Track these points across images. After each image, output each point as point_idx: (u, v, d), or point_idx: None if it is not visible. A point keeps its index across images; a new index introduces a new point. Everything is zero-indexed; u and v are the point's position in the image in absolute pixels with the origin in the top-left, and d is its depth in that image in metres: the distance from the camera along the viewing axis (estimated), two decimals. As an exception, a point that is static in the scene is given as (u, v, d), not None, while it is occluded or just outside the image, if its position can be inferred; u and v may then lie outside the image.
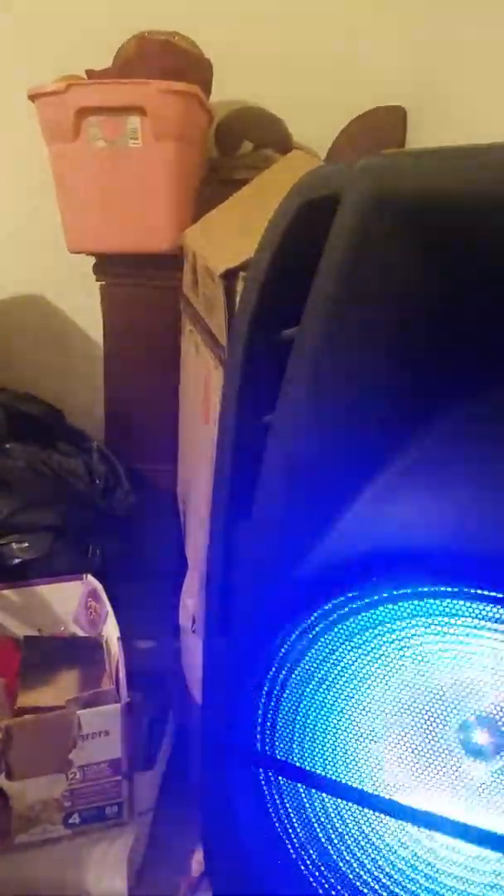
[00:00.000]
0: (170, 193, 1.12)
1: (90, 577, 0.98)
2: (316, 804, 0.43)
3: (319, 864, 0.44)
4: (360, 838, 0.43)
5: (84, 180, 1.13)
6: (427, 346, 0.37)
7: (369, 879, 0.44)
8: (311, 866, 0.44)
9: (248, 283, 0.40)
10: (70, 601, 1.00)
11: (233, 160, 1.26)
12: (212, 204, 1.04)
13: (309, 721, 0.42)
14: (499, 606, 0.33)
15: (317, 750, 0.42)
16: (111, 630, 0.88)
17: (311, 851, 0.44)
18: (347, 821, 0.43)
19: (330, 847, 0.43)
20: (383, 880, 0.44)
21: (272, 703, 0.42)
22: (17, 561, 1.05)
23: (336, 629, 0.39)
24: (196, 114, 1.14)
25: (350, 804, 0.42)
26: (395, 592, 0.36)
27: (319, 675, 0.40)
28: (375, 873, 0.44)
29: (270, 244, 0.39)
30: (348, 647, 0.39)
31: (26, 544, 1.06)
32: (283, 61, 1.36)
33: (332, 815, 0.43)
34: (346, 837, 0.43)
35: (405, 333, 0.37)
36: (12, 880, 0.74)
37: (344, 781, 0.42)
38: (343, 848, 0.43)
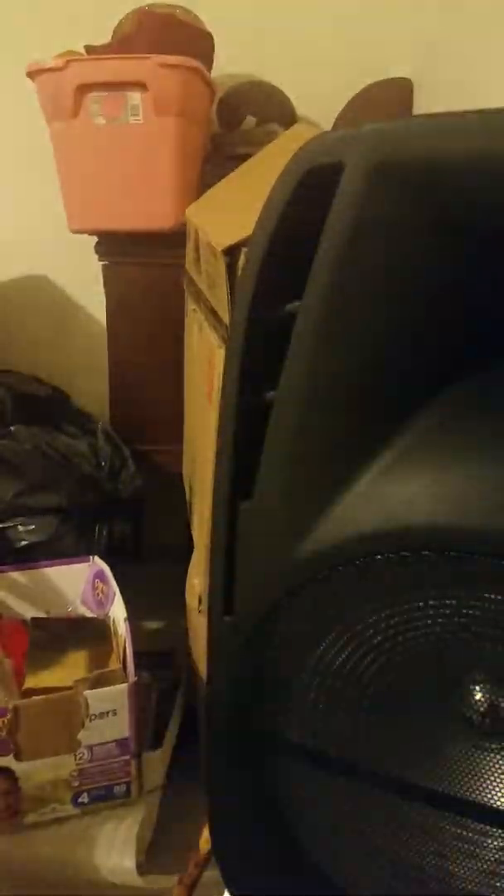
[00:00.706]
0: (172, 170, 1.11)
1: (97, 559, 0.99)
2: (322, 781, 0.43)
3: (326, 842, 0.44)
4: (365, 814, 0.43)
5: (85, 158, 1.12)
6: (433, 319, 0.36)
7: (380, 859, 0.44)
8: (316, 844, 0.44)
9: (248, 255, 0.39)
10: (77, 583, 1.00)
11: (236, 135, 1.24)
12: (215, 180, 1.03)
13: (314, 699, 0.41)
14: (498, 581, 0.33)
15: (320, 727, 0.42)
16: (118, 611, 0.88)
17: (317, 829, 0.44)
18: (352, 797, 0.43)
19: (335, 824, 0.43)
20: (392, 857, 0.44)
21: (277, 682, 0.42)
22: (23, 543, 1.05)
23: (339, 607, 0.38)
24: (198, 89, 1.12)
25: (354, 780, 0.42)
26: (398, 569, 0.36)
27: (322, 652, 0.40)
28: (385, 851, 0.44)
29: (272, 214, 0.38)
30: (351, 626, 0.39)
31: (32, 526, 1.07)
32: (286, 34, 1.33)
33: (339, 792, 0.43)
34: (351, 814, 0.43)
35: (410, 305, 0.36)
36: (22, 859, 0.75)
37: (349, 757, 0.42)
38: (348, 825, 0.43)
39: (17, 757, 0.74)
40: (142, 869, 0.74)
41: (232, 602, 0.44)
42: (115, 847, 0.76)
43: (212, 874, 0.65)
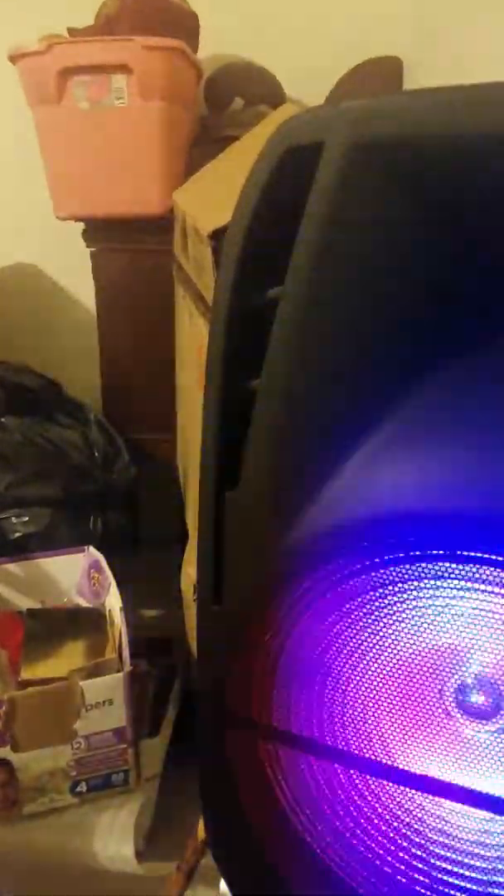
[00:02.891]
0: (159, 154, 1.09)
1: (92, 549, 0.98)
2: (314, 770, 0.43)
3: (318, 829, 0.44)
4: (359, 803, 0.43)
5: (69, 143, 1.10)
6: (419, 303, 0.36)
7: (373, 845, 0.44)
8: (309, 832, 0.44)
9: (228, 239, 0.38)
10: (72, 573, 1.00)
11: (224, 118, 1.23)
12: (203, 163, 1.01)
13: (303, 687, 0.41)
14: (492, 568, 0.32)
15: (312, 716, 0.42)
16: (114, 601, 0.88)
17: (309, 817, 0.44)
18: (345, 786, 0.43)
19: (329, 813, 0.43)
20: (387, 845, 0.44)
21: (266, 671, 0.42)
22: (17, 535, 1.05)
23: (328, 596, 0.38)
24: (183, 70, 1.10)
25: (347, 770, 0.42)
26: (386, 557, 0.35)
27: (312, 642, 0.40)
28: (378, 838, 0.44)
29: (252, 196, 0.37)
30: (340, 614, 0.38)
31: (27, 518, 1.06)
32: (274, 14, 1.31)
33: (330, 781, 0.43)
34: (345, 803, 0.43)
35: (395, 289, 0.35)
36: (21, 850, 0.75)
37: (340, 747, 0.42)
38: (342, 813, 0.43)
39: (14, 748, 0.74)
40: (140, 856, 0.75)
41: (220, 591, 0.44)
42: (113, 835, 0.76)
43: (210, 861, 0.66)
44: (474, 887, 0.41)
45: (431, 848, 0.42)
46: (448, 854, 0.42)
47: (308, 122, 0.35)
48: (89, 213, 1.15)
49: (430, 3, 1.29)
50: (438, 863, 0.42)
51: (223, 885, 0.56)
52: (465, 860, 0.41)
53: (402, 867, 0.43)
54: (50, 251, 1.39)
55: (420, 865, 0.43)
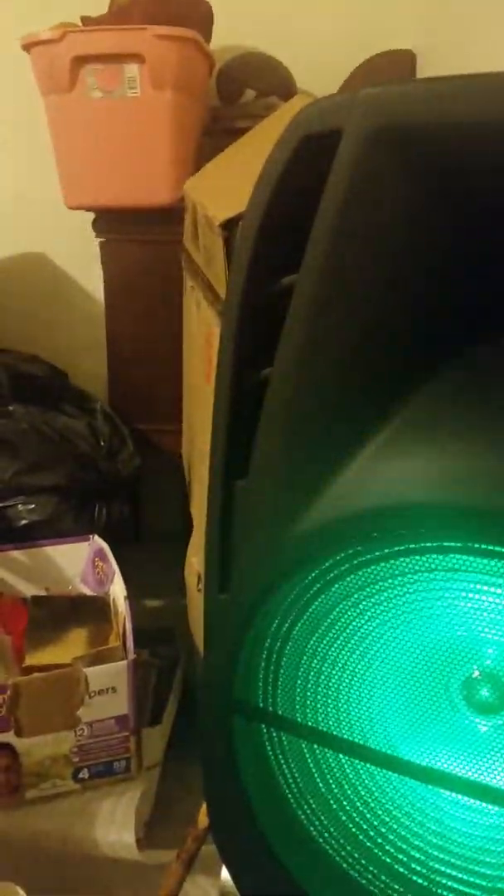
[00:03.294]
0: (170, 144, 1.09)
1: (97, 538, 0.98)
2: (318, 759, 0.43)
3: (321, 818, 0.44)
4: (363, 793, 0.43)
5: (81, 133, 1.10)
6: (433, 291, 0.36)
7: (375, 835, 0.44)
8: (312, 820, 0.44)
9: (244, 225, 0.38)
10: (77, 561, 1.00)
11: (235, 109, 1.22)
12: (214, 154, 1.01)
13: (310, 677, 0.41)
14: (502, 561, 0.32)
15: (318, 705, 0.42)
16: (118, 589, 0.88)
17: (313, 806, 0.44)
18: (350, 776, 0.43)
19: (332, 802, 0.43)
20: (390, 837, 0.44)
21: (273, 660, 0.42)
22: (23, 522, 1.05)
23: (336, 585, 0.38)
24: (196, 61, 1.10)
25: (352, 759, 0.42)
26: (396, 548, 0.35)
27: (320, 632, 0.40)
28: (381, 829, 0.44)
29: (267, 184, 0.37)
30: (349, 604, 0.38)
31: (32, 506, 1.07)
32: (287, 5, 1.30)
33: (335, 769, 0.43)
34: (349, 792, 0.43)
35: (410, 277, 0.35)
36: (23, 834, 0.76)
37: (345, 737, 0.42)
38: (346, 803, 0.43)
39: (18, 733, 0.74)
40: (141, 844, 0.75)
41: (227, 580, 0.44)
42: (114, 822, 0.76)
43: (210, 849, 0.66)
44: (484, 883, 0.41)
45: (437, 840, 0.42)
46: (456, 849, 0.42)
47: (326, 110, 0.35)
48: (100, 202, 1.15)
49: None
50: (443, 856, 0.42)
51: (224, 873, 0.56)
52: (475, 855, 0.41)
53: (406, 861, 0.44)
54: (59, 241, 1.39)
55: (424, 859, 0.43)
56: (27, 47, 1.09)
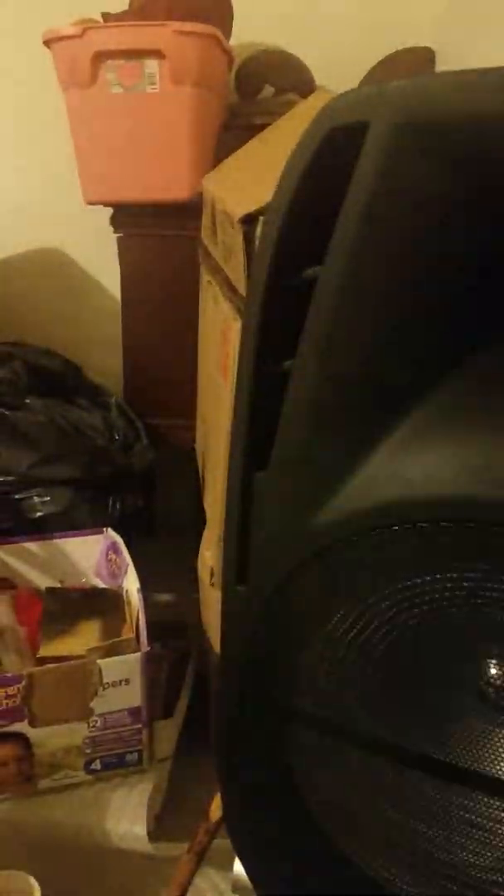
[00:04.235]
0: (189, 140, 1.09)
1: (110, 531, 0.99)
2: (333, 752, 0.43)
3: (334, 812, 0.44)
4: (376, 785, 0.43)
5: (101, 128, 1.10)
6: (457, 286, 0.36)
7: (386, 825, 0.44)
8: (325, 814, 0.44)
9: (268, 216, 0.38)
10: (91, 554, 1.01)
11: (254, 105, 1.22)
12: (232, 150, 1.01)
13: (326, 669, 0.41)
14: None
15: (333, 698, 0.42)
16: (131, 582, 0.88)
17: (326, 800, 0.44)
18: (363, 768, 0.43)
19: (346, 795, 0.43)
20: (402, 828, 0.44)
21: (291, 651, 0.42)
22: (38, 514, 1.06)
23: (356, 576, 0.38)
24: (215, 57, 1.10)
25: (367, 751, 0.42)
26: (418, 539, 0.35)
27: (338, 623, 0.40)
28: (394, 820, 0.44)
29: (293, 176, 0.37)
30: (368, 595, 0.38)
31: (47, 498, 1.07)
32: (306, 2, 1.30)
33: (349, 763, 0.43)
34: (362, 785, 0.43)
35: (435, 271, 0.35)
36: (35, 824, 0.76)
37: (361, 729, 0.42)
38: (359, 797, 0.43)
39: (31, 723, 0.75)
40: (152, 836, 0.75)
41: (245, 572, 0.44)
42: (126, 814, 0.77)
43: (221, 842, 0.66)
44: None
45: (454, 837, 0.42)
46: (466, 840, 0.42)
47: (353, 103, 0.35)
48: (118, 198, 1.15)
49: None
50: (457, 849, 0.42)
51: (237, 866, 0.56)
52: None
53: (421, 857, 0.44)
54: (78, 236, 1.40)
55: (438, 855, 0.43)
56: (49, 43, 1.10)
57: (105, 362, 1.36)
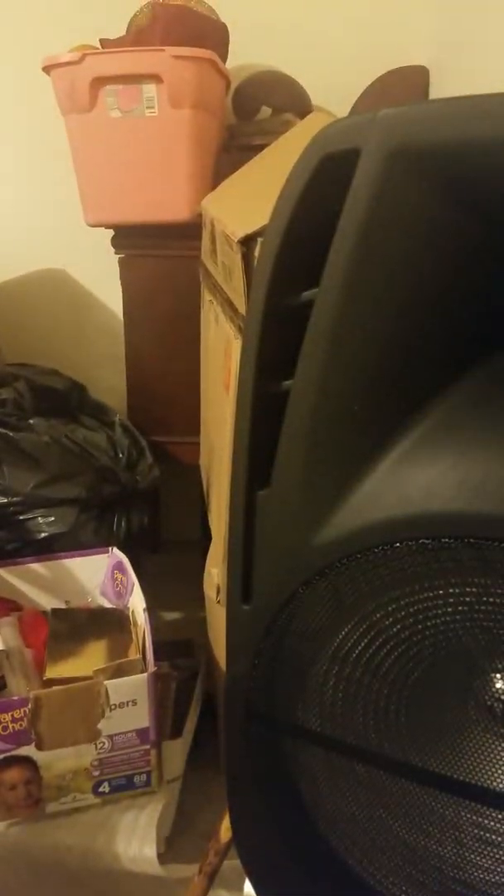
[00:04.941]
0: (188, 162, 1.10)
1: (116, 550, 0.99)
2: (340, 768, 0.43)
3: (341, 827, 0.44)
4: (382, 801, 0.43)
5: (101, 151, 1.12)
6: (452, 304, 0.36)
7: (394, 842, 0.44)
8: (332, 830, 0.44)
9: (265, 242, 0.39)
10: (96, 573, 1.01)
11: (251, 126, 1.24)
12: (230, 171, 1.02)
13: (331, 686, 0.41)
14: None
15: (339, 714, 0.42)
16: (137, 601, 0.88)
17: (332, 816, 0.44)
18: (370, 784, 0.43)
19: (353, 811, 0.43)
20: (409, 844, 0.44)
21: (296, 669, 0.42)
22: (43, 535, 1.06)
23: (358, 593, 0.38)
24: (212, 80, 1.11)
25: (375, 768, 0.42)
26: (419, 557, 0.35)
27: (342, 640, 0.40)
28: (401, 836, 0.44)
29: (289, 202, 0.38)
30: (371, 612, 0.38)
31: (52, 518, 1.07)
32: (301, 23, 1.32)
33: (356, 779, 0.43)
34: (369, 801, 0.43)
35: (429, 291, 0.36)
36: (43, 848, 0.76)
37: (367, 745, 0.42)
38: (366, 812, 0.43)
39: (39, 746, 0.75)
40: (162, 858, 0.75)
41: (250, 590, 0.44)
42: (135, 836, 0.76)
43: (232, 863, 0.66)
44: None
45: (466, 855, 0.42)
46: (477, 857, 0.41)
47: (345, 130, 0.36)
48: (119, 219, 1.16)
49: (454, 13, 1.29)
50: (467, 866, 0.42)
51: (247, 887, 0.56)
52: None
53: (427, 869, 0.43)
54: (80, 257, 1.41)
55: (451, 872, 0.43)
56: (48, 69, 1.11)
57: (109, 381, 1.37)
